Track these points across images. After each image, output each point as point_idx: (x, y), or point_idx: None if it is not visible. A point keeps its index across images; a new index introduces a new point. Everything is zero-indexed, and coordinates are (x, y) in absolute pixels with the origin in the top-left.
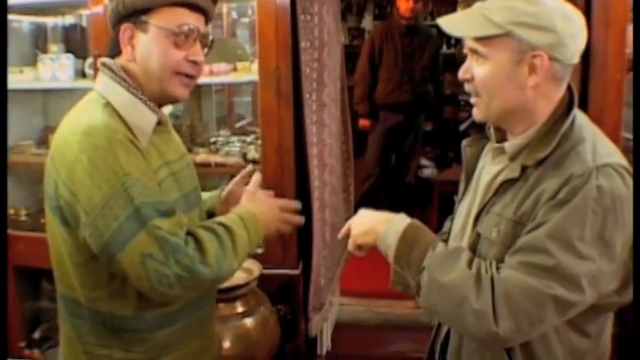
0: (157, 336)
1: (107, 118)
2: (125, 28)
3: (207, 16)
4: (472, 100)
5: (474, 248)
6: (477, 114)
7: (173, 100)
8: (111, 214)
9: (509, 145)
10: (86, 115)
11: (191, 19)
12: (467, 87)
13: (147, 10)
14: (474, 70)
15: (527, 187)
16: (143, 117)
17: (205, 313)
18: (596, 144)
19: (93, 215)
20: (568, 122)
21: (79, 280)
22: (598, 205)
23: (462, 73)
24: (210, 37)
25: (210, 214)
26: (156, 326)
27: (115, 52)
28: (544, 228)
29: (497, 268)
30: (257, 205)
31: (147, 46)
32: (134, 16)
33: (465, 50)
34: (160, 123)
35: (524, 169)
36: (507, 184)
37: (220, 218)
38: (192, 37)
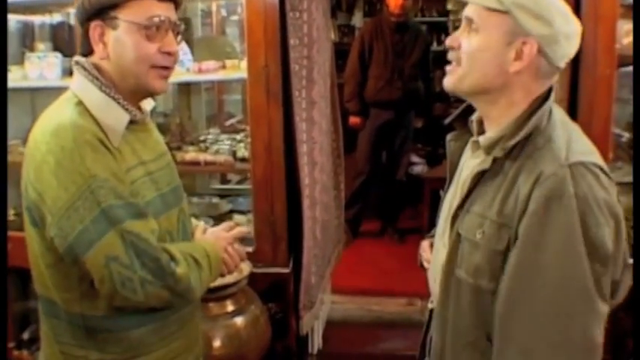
0: (132, 336)
1: (77, 118)
2: (94, 26)
3: (176, 3)
4: (448, 67)
5: (454, 250)
6: (448, 82)
7: (152, 94)
8: (76, 216)
9: (484, 138)
10: (57, 115)
11: (160, 10)
12: (450, 55)
13: (114, 6)
14: (463, 40)
15: (506, 184)
16: (115, 116)
17: (186, 314)
18: (571, 140)
19: (58, 216)
20: (540, 114)
21: (52, 280)
22: (578, 215)
23: (449, 41)
24: (183, 26)
25: None
26: (130, 326)
27: (87, 50)
28: (532, 257)
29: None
30: (219, 243)
31: (119, 42)
32: (102, 12)
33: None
34: (134, 122)
35: (496, 161)
36: (485, 178)
37: (189, 249)
38: (163, 28)
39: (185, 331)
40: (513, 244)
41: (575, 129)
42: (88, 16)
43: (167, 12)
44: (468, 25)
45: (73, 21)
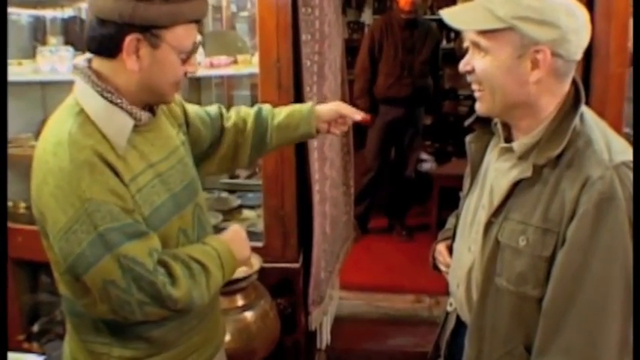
0: (153, 335)
1: (76, 131)
2: (132, 39)
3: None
4: (476, 94)
5: (492, 258)
6: (481, 107)
7: (164, 104)
8: (74, 239)
9: (518, 144)
10: (58, 127)
11: (196, 33)
12: (469, 78)
13: (162, 26)
14: (475, 64)
15: (548, 191)
16: (117, 124)
17: (206, 307)
18: (609, 140)
19: (58, 238)
20: (577, 118)
21: (68, 287)
22: (627, 216)
23: (462, 66)
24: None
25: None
26: (151, 327)
27: (107, 51)
28: (581, 258)
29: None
30: (237, 246)
31: (157, 62)
32: (146, 28)
33: (467, 43)
34: (138, 126)
35: (536, 168)
36: (523, 186)
37: (197, 253)
38: (194, 50)
39: (205, 323)
40: (560, 248)
41: (607, 127)
42: (125, 24)
43: (197, 33)
44: (476, 49)
45: (84, 15)
